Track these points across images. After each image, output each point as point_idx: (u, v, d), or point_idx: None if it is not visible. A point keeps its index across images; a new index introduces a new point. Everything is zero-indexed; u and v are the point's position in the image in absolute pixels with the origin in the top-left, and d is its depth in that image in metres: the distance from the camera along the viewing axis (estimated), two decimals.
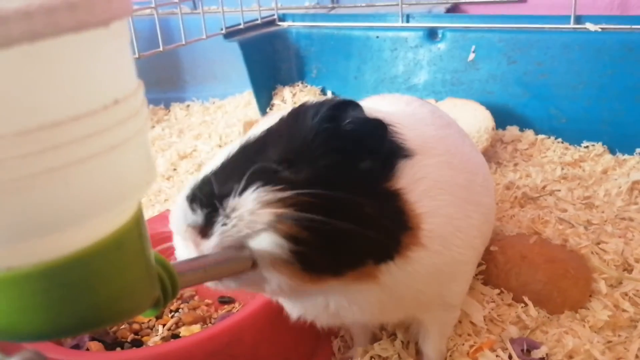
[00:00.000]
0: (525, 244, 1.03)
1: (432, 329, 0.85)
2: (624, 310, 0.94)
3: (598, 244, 1.10)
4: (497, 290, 1.00)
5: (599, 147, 1.55)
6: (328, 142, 0.64)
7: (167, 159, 1.78)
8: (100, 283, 0.39)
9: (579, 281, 0.97)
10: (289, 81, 2.02)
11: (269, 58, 2.00)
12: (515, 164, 1.52)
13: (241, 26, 1.93)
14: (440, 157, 0.73)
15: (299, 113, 0.68)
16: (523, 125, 1.67)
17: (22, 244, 0.35)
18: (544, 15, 1.71)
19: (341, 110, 0.66)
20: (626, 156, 1.51)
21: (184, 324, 0.98)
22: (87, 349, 0.90)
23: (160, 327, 0.98)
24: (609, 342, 0.88)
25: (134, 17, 1.48)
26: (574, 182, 1.38)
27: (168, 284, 0.48)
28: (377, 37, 1.88)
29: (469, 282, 0.85)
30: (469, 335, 0.91)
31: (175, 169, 1.74)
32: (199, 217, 0.61)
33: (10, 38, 0.29)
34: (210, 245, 0.60)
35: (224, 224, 0.59)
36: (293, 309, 0.75)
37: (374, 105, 0.87)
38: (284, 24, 2.05)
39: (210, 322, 1.00)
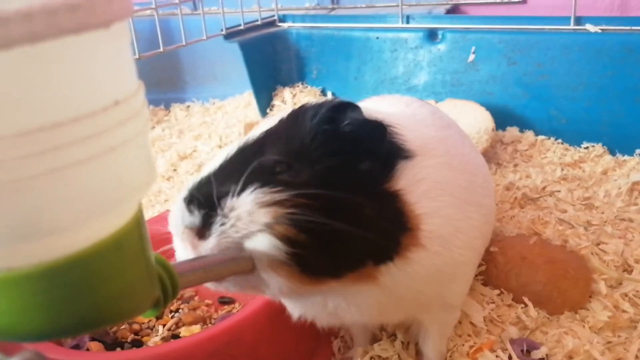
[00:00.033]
0: (525, 245, 1.03)
1: (432, 330, 0.85)
2: (623, 311, 0.94)
3: (598, 244, 1.10)
4: (497, 291, 1.00)
5: (599, 148, 1.55)
6: (327, 143, 0.64)
7: (167, 159, 1.78)
8: (101, 283, 0.39)
9: (579, 282, 0.97)
10: (289, 82, 2.03)
11: (269, 59, 2.00)
12: (515, 165, 1.52)
13: (241, 27, 1.93)
14: (441, 158, 0.73)
15: (298, 115, 0.68)
16: (523, 126, 1.67)
17: (23, 244, 0.35)
18: (544, 17, 1.70)
19: (340, 111, 0.66)
20: (626, 157, 1.51)
21: (184, 325, 0.98)
22: (87, 349, 0.91)
23: (160, 328, 0.98)
24: (609, 342, 0.88)
25: (135, 18, 1.48)
26: (574, 183, 1.38)
27: (168, 285, 0.48)
28: (377, 38, 1.88)
29: (469, 282, 0.85)
30: (468, 335, 0.91)
31: (175, 170, 1.74)
32: (196, 218, 0.61)
33: (10, 39, 0.30)
34: (207, 246, 0.60)
35: (222, 224, 0.59)
36: (294, 309, 0.75)
37: (374, 106, 0.87)
38: (284, 25, 2.06)
39: (210, 323, 1.00)
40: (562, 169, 1.45)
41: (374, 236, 0.62)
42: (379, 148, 0.66)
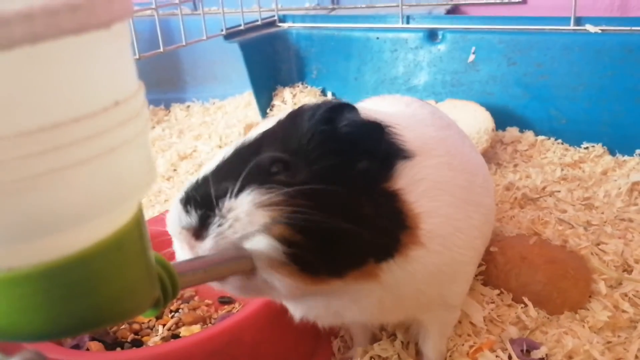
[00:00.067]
0: (525, 245, 1.03)
1: (432, 330, 0.85)
2: (623, 311, 0.94)
3: (598, 244, 1.10)
4: (497, 291, 1.00)
5: (598, 148, 1.55)
6: (324, 144, 0.64)
7: (167, 159, 1.78)
8: (101, 283, 0.39)
9: (579, 282, 0.97)
10: (289, 82, 2.03)
11: (269, 59, 2.00)
12: (515, 165, 1.52)
13: (241, 27, 1.93)
14: (440, 158, 0.73)
15: (295, 115, 0.68)
16: (523, 126, 1.67)
17: (23, 244, 0.35)
18: (544, 17, 1.71)
19: (337, 112, 0.66)
20: (626, 157, 1.51)
21: (184, 324, 0.98)
22: (87, 349, 0.91)
23: (160, 327, 0.98)
24: (609, 342, 0.88)
25: (135, 18, 1.48)
26: (573, 183, 1.38)
27: (168, 284, 0.48)
28: (377, 38, 1.88)
29: (469, 282, 0.85)
30: (468, 335, 0.92)
31: (175, 170, 1.74)
32: (193, 219, 0.61)
33: (11, 40, 0.30)
34: (205, 247, 0.60)
35: (220, 225, 0.59)
36: (296, 310, 0.75)
37: (374, 107, 0.87)
38: (285, 25, 2.06)
39: (210, 322, 1.00)
40: (562, 169, 1.45)
41: (373, 234, 0.62)
42: (376, 148, 0.67)
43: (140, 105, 0.39)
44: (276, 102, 1.96)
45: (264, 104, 1.95)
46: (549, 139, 1.63)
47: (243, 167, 0.62)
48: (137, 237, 0.42)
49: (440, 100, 1.74)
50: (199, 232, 0.61)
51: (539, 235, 1.10)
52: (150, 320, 1.00)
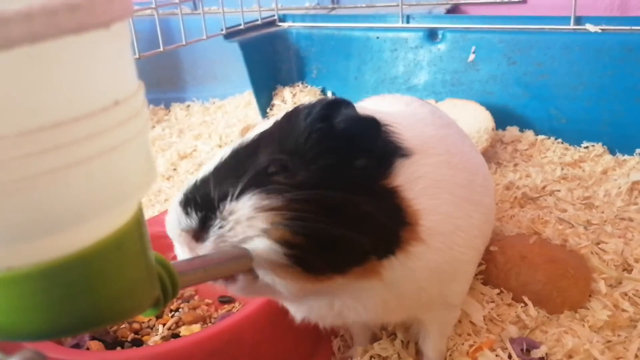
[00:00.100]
0: (525, 244, 1.03)
1: (432, 329, 0.85)
2: (623, 310, 0.94)
3: (598, 244, 1.10)
4: (497, 290, 1.00)
5: (598, 147, 1.55)
6: (321, 142, 0.64)
7: (167, 159, 1.78)
8: (101, 283, 0.39)
9: (579, 281, 0.97)
10: (289, 81, 2.03)
11: (269, 58, 2.00)
12: (515, 165, 1.52)
13: (241, 27, 1.93)
14: (440, 157, 0.73)
15: (291, 115, 0.68)
16: (523, 125, 1.67)
17: (23, 244, 0.35)
18: (544, 16, 1.70)
19: (333, 109, 0.66)
20: (626, 157, 1.51)
21: (184, 324, 0.98)
22: (88, 348, 0.91)
23: (160, 327, 0.98)
24: (609, 341, 0.88)
25: (135, 17, 1.48)
26: (573, 182, 1.38)
27: (168, 284, 0.48)
28: (377, 37, 1.88)
29: (469, 282, 0.85)
30: (468, 334, 0.92)
31: (175, 169, 1.74)
32: (193, 220, 0.61)
33: (11, 39, 0.30)
34: (205, 250, 0.60)
35: (220, 227, 0.60)
36: (297, 311, 0.75)
37: (373, 106, 0.87)
38: (284, 25, 2.06)
39: (210, 322, 1.00)
40: (562, 169, 1.46)
41: (374, 232, 0.62)
42: (373, 144, 0.67)
43: (140, 105, 0.39)
44: (276, 101, 1.96)
45: (264, 104, 1.95)
46: (549, 138, 1.63)
47: (241, 169, 0.62)
48: (137, 236, 0.42)
49: (440, 99, 1.74)
50: (199, 234, 0.61)
51: (539, 235, 1.10)
52: (150, 319, 1.00)
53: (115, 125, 0.36)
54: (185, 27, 1.63)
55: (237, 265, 0.59)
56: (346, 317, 0.72)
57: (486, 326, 0.93)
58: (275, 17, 2.07)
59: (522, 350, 0.87)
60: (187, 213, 0.62)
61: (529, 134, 1.64)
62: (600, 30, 1.57)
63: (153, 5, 1.57)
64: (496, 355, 0.86)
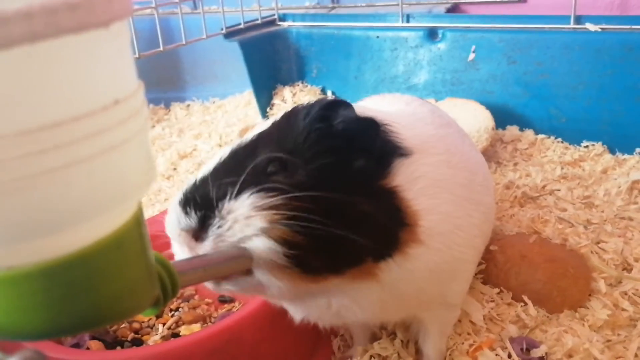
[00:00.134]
0: (525, 244, 1.03)
1: (432, 328, 0.85)
2: (623, 310, 0.94)
3: (598, 243, 1.10)
4: (497, 290, 1.00)
5: (598, 146, 1.55)
6: (320, 142, 0.64)
7: (167, 158, 1.78)
8: (101, 282, 0.39)
9: (579, 280, 0.97)
10: (289, 81, 2.03)
11: (269, 58, 2.00)
12: (515, 164, 1.52)
13: (241, 26, 1.93)
14: (440, 156, 0.73)
15: (290, 115, 0.68)
16: (523, 125, 1.67)
17: (23, 243, 0.35)
18: (544, 15, 1.70)
19: (332, 110, 0.66)
20: (626, 156, 1.51)
21: (184, 323, 0.98)
22: (88, 348, 0.91)
23: (160, 326, 0.98)
24: (609, 341, 0.88)
25: (134, 17, 1.48)
26: (573, 181, 1.38)
27: (168, 283, 0.48)
28: (377, 37, 1.88)
29: (469, 281, 0.85)
30: (468, 334, 0.92)
31: (175, 169, 1.74)
32: (192, 220, 0.61)
33: (11, 39, 0.30)
34: (204, 249, 0.60)
35: (219, 226, 0.60)
36: (296, 312, 0.75)
37: (373, 105, 0.87)
38: (284, 24, 2.05)
39: (210, 321, 1.00)
40: (562, 168, 1.46)
41: (372, 232, 0.62)
42: (372, 145, 0.67)
43: (140, 104, 0.39)
44: (276, 101, 1.96)
45: (264, 103, 1.95)
46: (549, 137, 1.63)
47: (240, 168, 0.62)
48: (137, 236, 0.42)
49: (440, 99, 1.74)
50: (198, 233, 0.61)
51: (539, 234, 1.10)
52: (150, 319, 1.00)
53: (115, 125, 0.36)
54: (185, 27, 1.63)
55: (237, 265, 0.59)
56: (344, 317, 0.72)
57: (486, 325, 0.93)
58: (275, 17, 2.07)
59: (522, 349, 0.87)
60: (186, 213, 0.62)
61: (529, 133, 1.64)
62: (600, 30, 1.57)
63: (153, 5, 1.57)
64: (496, 355, 0.86)
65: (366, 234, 0.62)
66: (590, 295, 0.98)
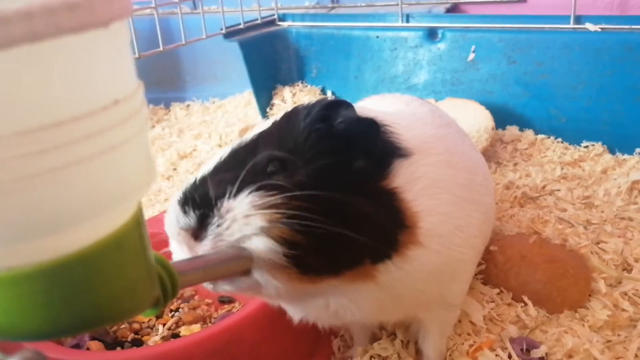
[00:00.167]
0: (524, 244, 1.03)
1: (432, 329, 0.85)
2: (623, 310, 0.94)
3: (597, 243, 1.10)
4: (497, 290, 1.00)
5: (598, 147, 1.55)
6: (321, 142, 0.64)
7: (167, 158, 1.78)
8: (101, 282, 0.39)
9: (579, 281, 0.97)
10: (289, 81, 2.03)
11: (269, 58, 2.00)
12: (515, 164, 1.52)
13: (241, 26, 1.93)
14: (439, 157, 0.73)
15: (290, 115, 0.68)
16: (523, 125, 1.67)
17: (23, 244, 0.35)
18: (543, 15, 1.71)
19: (333, 110, 0.66)
20: (626, 156, 1.51)
21: (184, 324, 0.98)
22: (88, 349, 0.91)
23: (160, 327, 0.98)
24: (609, 341, 0.88)
25: (134, 17, 1.48)
26: (573, 181, 1.38)
27: (168, 284, 0.48)
28: (377, 37, 1.88)
29: (469, 281, 0.85)
30: (468, 334, 0.92)
31: (175, 169, 1.74)
32: (191, 219, 0.61)
33: (10, 39, 0.30)
34: (204, 249, 0.60)
35: (218, 225, 0.59)
36: (295, 312, 0.75)
37: (373, 105, 0.87)
38: (284, 24, 2.05)
39: (210, 322, 1.00)
40: (562, 168, 1.46)
41: (371, 233, 0.62)
42: (373, 145, 0.66)
43: (139, 104, 0.39)
44: (276, 101, 1.96)
45: (264, 103, 1.95)
46: (549, 137, 1.63)
47: (240, 168, 0.62)
48: (136, 236, 0.42)
49: (440, 99, 1.74)
50: (197, 232, 0.61)
51: (539, 234, 1.10)
52: (150, 319, 1.00)
53: (115, 125, 0.36)
54: (185, 27, 1.63)
55: (237, 265, 0.59)
56: (342, 317, 0.72)
57: (486, 326, 0.93)
58: (275, 17, 2.07)
59: (522, 350, 0.87)
60: (185, 212, 0.62)
61: (529, 134, 1.64)
62: (600, 30, 1.57)
63: (153, 5, 1.57)
64: (496, 355, 0.86)
65: (365, 235, 0.61)
66: (590, 295, 0.98)
